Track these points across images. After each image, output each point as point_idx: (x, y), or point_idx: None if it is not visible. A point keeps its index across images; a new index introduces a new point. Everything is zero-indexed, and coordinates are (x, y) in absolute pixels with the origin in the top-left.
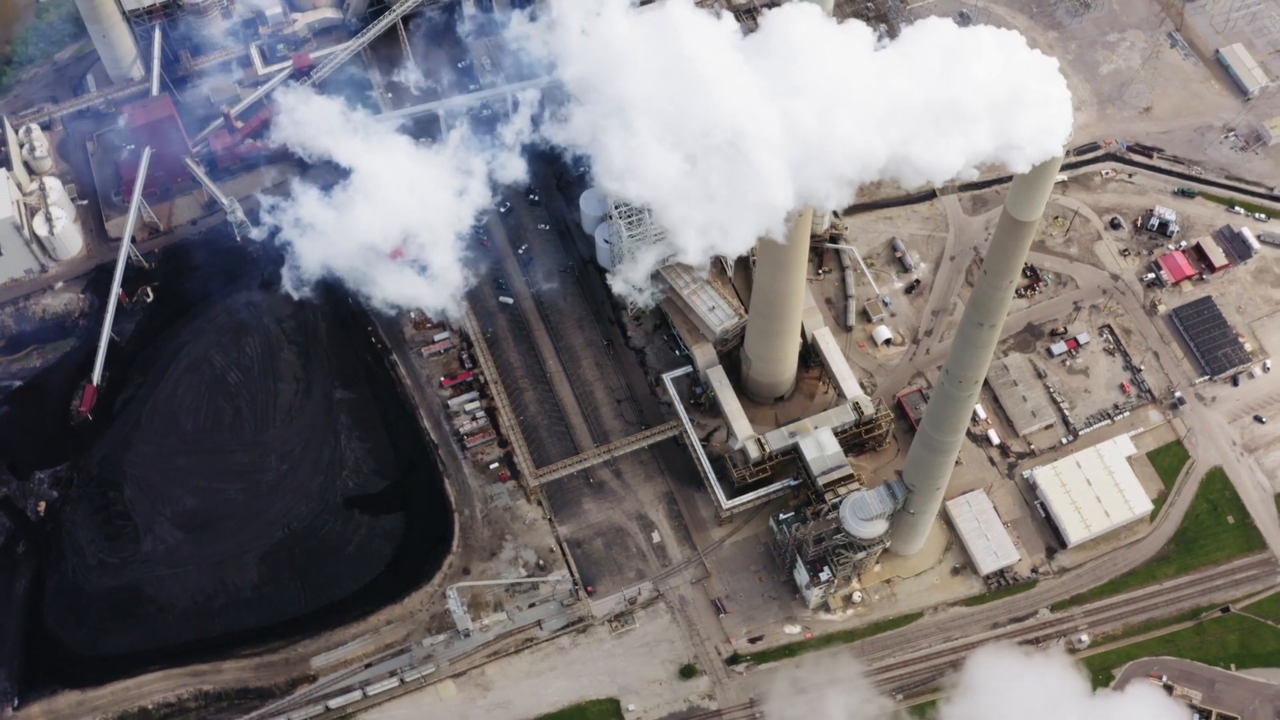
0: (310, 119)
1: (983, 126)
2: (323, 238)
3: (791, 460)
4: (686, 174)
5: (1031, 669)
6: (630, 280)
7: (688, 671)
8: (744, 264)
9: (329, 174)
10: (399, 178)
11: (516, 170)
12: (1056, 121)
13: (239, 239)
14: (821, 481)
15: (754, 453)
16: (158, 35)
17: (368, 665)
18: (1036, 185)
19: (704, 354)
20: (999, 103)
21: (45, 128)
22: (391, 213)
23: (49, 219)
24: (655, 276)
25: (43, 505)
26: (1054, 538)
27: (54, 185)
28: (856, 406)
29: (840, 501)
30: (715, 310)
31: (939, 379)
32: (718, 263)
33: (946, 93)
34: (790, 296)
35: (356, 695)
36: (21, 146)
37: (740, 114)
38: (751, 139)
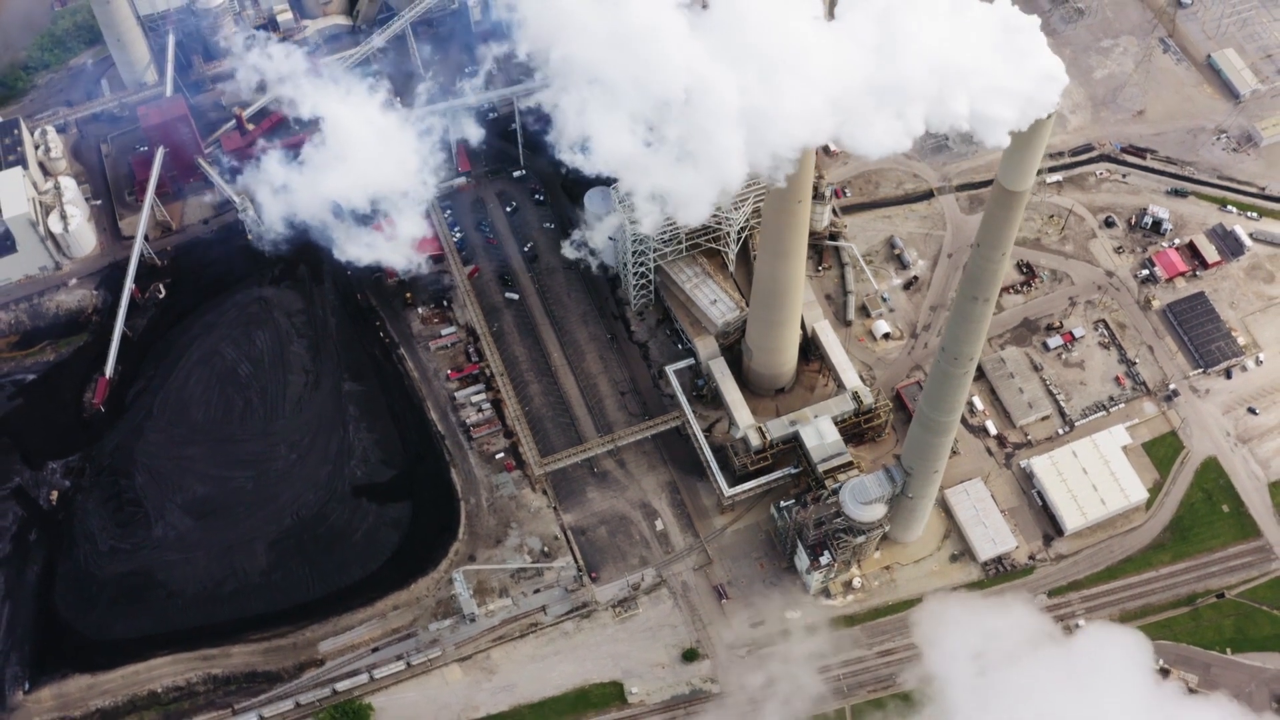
0: (265, 66)
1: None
2: (284, 192)
3: (792, 449)
4: (640, 141)
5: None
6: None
7: (690, 655)
8: (745, 259)
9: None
10: (362, 129)
11: (474, 133)
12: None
13: (250, 237)
14: (821, 469)
15: (755, 441)
16: (171, 40)
17: (375, 650)
18: (1026, 153)
19: (706, 346)
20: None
21: (60, 130)
22: (355, 166)
23: (63, 216)
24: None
25: (55, 494)
26: (1051, 525)
27: (69, 184)
28: (856, 396)
29: (840, 486)
30: (717, 303)
31: (935, 358)
32: (719, 257)
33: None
34: (790, 285)
35: (364, 679)
36: (37, 148)
37: (692, 77)
38: (704, 102)
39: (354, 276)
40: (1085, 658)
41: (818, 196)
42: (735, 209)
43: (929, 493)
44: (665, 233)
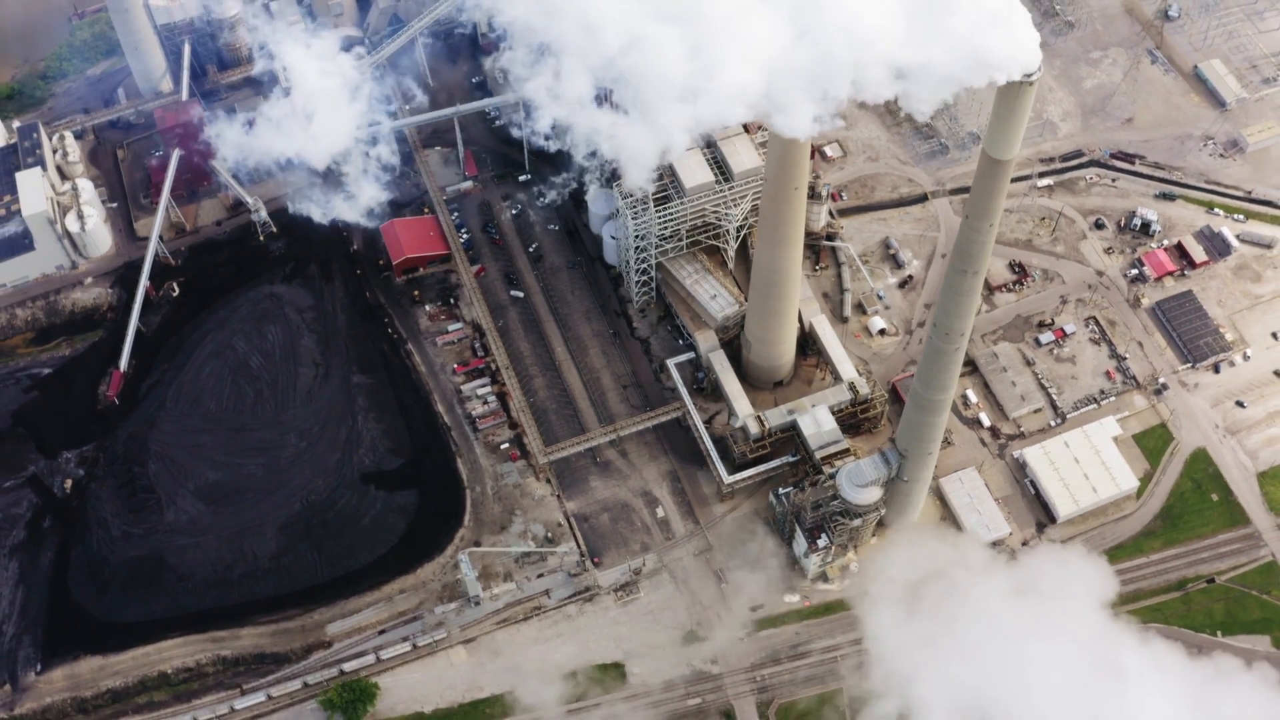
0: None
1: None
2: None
3: (790, 437)
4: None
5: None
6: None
7: (690, 637)
8: (744, 257)
9: None
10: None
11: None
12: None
13: (262, 238)
14: (819, 455)
15: (754, 429)
16: (187, 48)
17: (381, 632)
18: (1010, 121)
19: (706, 339)
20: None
21: (78, 136)
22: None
23: (80, 216)
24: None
25: (69, 482)
26: (1044, 513)
27: (85, 186)
28: (852, 387)
29: (837, 470)
30: (717, 298)
31: (927, 335)
32: (719, 255)
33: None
34: (788, 272)
35: (370, 659)
36: (55, 153)
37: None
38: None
39: (363, 275)
40: (1030, 579)
41: (815, 196)
42: (734, 205)
43: (924, 476)
44: (666, 229)
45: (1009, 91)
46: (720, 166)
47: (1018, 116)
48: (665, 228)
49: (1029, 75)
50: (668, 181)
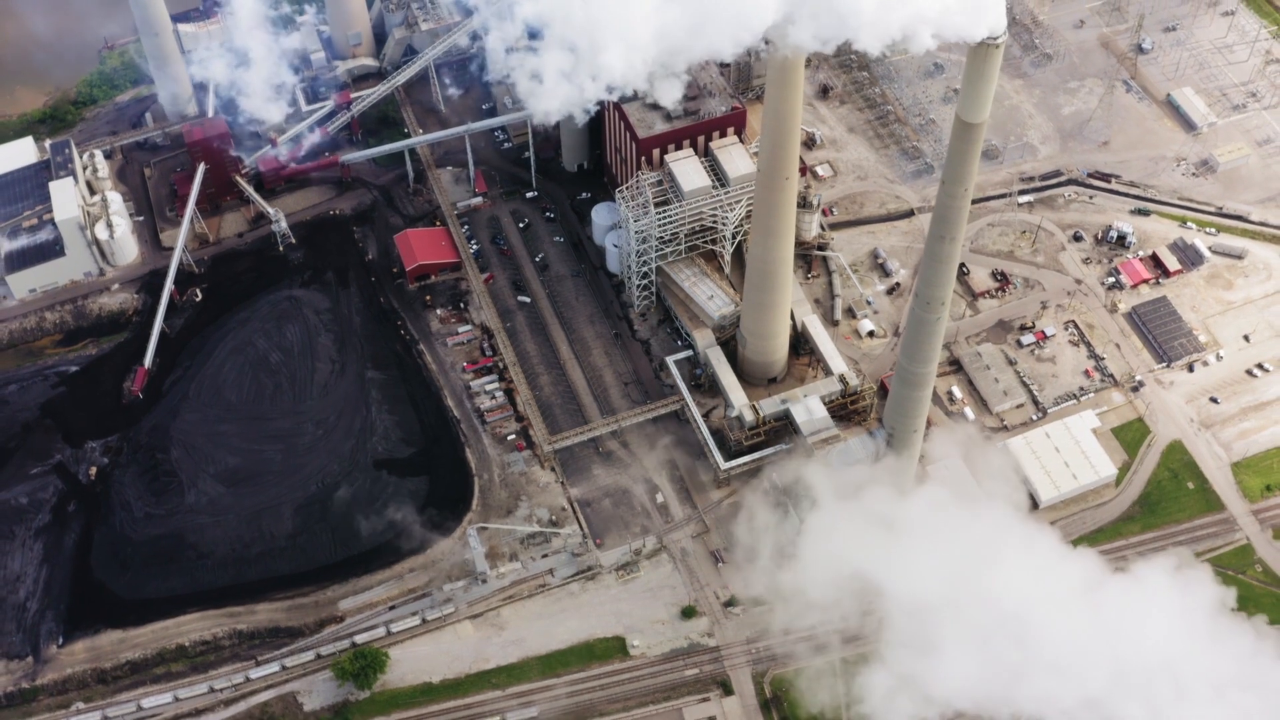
0: None
1: None
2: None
3: (784, 426)
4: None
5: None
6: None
7: (688, 613)
8: (739, 262)
9: None
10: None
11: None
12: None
13: (282, 248)
14: (811, 441)
15: (749, 417)
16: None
17: (392, 608)
18: (980, 85)
19: (704, 337)
20: None
21: (107, 156)
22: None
23: (109, 225)
24: None
25: (93, 470)
26: (1026, 499)
27: (114, 198)
28: (842, 379)
29: (828, 453)
30: (714, 298)
31: (910, 308)
32: (716, 260)
33: None
34: (780, 263)
35: (381, 632)
36: (85, 169)
37: None
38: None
39: (377, 281)
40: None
41: (807, 205)
42: (729, 209)
43: (911, 455)
44: (665, 231)
45: (978, 55)
46: (716, 172)
47: (986, 79)
48: (664, 230)
49: (994, 37)
50: (667, 186)
